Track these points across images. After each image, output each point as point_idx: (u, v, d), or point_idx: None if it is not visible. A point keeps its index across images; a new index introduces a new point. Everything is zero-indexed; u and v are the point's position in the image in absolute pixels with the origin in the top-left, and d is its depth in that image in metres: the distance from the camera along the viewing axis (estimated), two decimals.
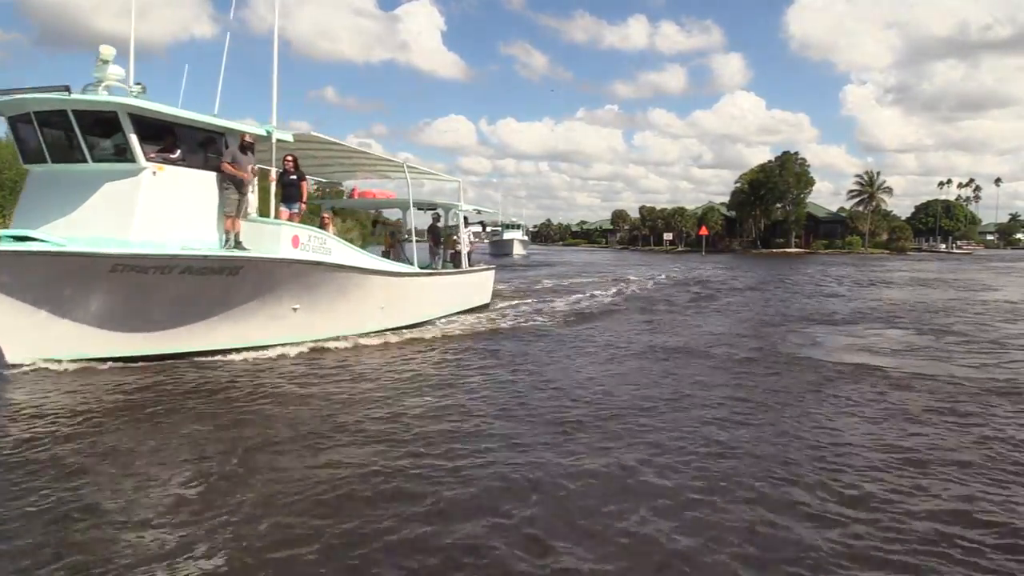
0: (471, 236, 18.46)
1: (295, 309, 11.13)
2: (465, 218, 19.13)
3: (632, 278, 31.53)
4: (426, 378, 9.47)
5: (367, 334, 12.22)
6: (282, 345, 10.91)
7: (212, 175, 10.46)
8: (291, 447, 6.27)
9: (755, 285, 28.72)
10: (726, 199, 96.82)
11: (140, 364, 9.35)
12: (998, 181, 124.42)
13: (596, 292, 23.76)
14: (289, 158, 11.80)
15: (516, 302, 19.57)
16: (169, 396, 8.01)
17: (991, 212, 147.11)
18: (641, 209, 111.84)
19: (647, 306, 19.54)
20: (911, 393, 8.64)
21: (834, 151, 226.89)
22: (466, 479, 5.50)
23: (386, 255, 16.33)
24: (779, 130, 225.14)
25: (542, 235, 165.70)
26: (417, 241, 15.88)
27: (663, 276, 33.94)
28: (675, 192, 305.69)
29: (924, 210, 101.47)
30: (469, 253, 18.15)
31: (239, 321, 10.51)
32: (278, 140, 11.39)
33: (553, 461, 5.92)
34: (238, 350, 10.42)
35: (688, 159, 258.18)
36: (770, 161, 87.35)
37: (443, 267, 17.13)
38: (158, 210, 9.60)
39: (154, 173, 9.61)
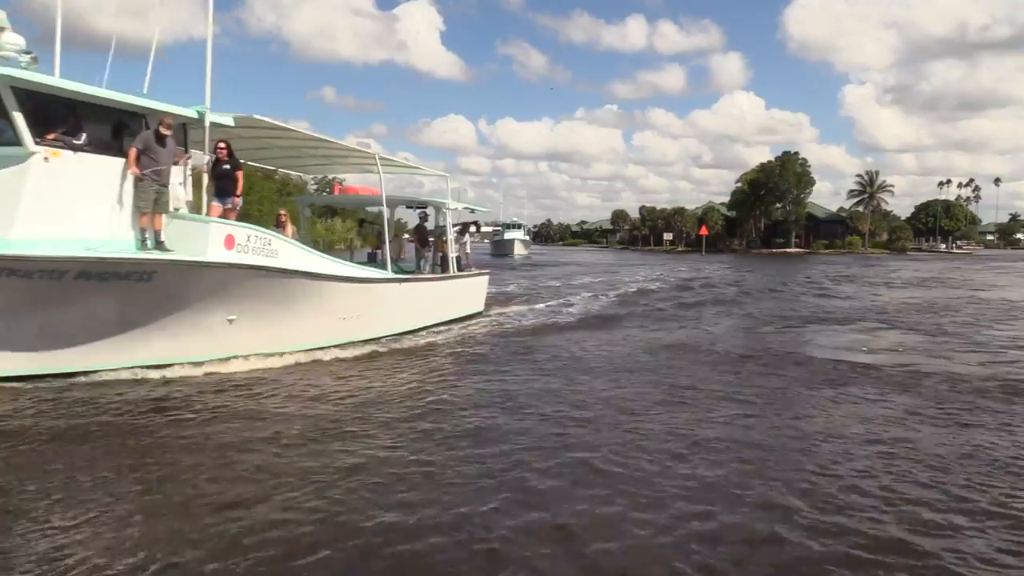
0: (468, 237, 17.12)
1: (231, 321, 9.53)
2: (475, 223, 18.20)
3: (639, 276, 31.57)
4: (365, 405, 7.91)
5: (327, 348, 10.77)
6: (219, 360, 9.39)
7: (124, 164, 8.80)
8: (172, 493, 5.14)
9: (767, 288, 28.74)
10: (726, 199, 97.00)
11: (13, 384, 7.88)
12: (998, 181, 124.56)
13: (600, 294, 23.10)
14: (221, 144, 10.06)
15: (513, 309, 17.94)
16: (31, 426, 6.67)
17: (991, 212, 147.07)
18: (641, 209, 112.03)
19: (660, 313, 18.06)
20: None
21: (833, 151, 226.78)
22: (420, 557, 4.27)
23: (372, 258, 15.39)
24: (778, 130, 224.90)
25: (542, 235, 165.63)
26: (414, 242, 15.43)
27: (671, 276, 33.90)
28: (675, 192, 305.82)
29: (924, 210, 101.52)
30: (458, 257, 16.28)
31: (154, 335, 8.97)
32: (214, 124, 9.67)
33: None
34: (160, 366, 8.97)
35: (688, 159, 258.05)
36: (770, 161, 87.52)
37: (431, 271, 15.45)
38: (51, 203, 8.03)
39: (46, 159, 7.97)
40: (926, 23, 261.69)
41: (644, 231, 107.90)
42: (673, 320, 16.59)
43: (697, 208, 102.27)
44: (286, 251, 10.07)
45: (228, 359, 9.50)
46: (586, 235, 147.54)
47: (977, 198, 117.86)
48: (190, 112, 9.50)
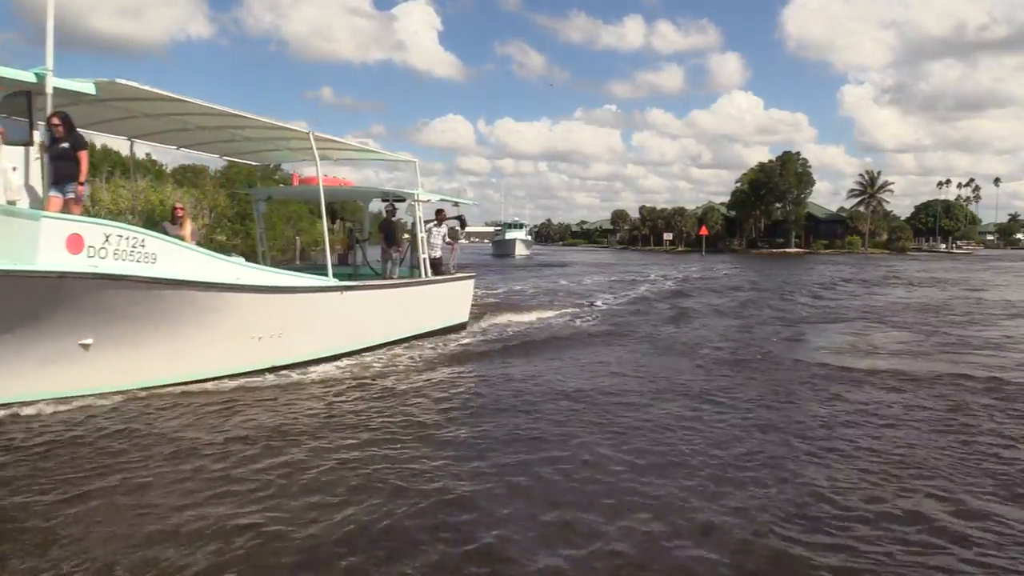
0: (443, 229, 13.90)
1: (85, 346, 7.42)
2: (459, 217, 14.71)
3: (654, 276, 31.64)
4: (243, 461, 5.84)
5: (237, 375, 8.71)
6: (73, 398, 7.35)
7: None
8: None
9: (781, 289, 28.80)
10: (725, 199, 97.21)
11: None
12: (997, 181, 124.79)
13: (604, 298, 21.91)
14: (55, 120, 7.49)
15: (506, 318, 15.63)
16: None
17: (991, 212, 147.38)
18: (641, 209, 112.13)
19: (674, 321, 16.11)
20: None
21: (833, 151, 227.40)
22: None
23: (343, 259, 13.80)
24: (777, 130, 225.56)
25: (542, 235, 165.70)
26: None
27: (684, 276, 33.92)
28: (674, 192, 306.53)
29: (924, 210, 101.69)
30: (438, 258, 13.51)
31: None
32: (62, 91, 7.59)
33: None
34: None
35: (687, 159, 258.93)
36: (770, 161, 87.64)
37: (412, 275, 13.05)
38: None
39: None
40: (924, 23, 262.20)
41: (644, 231, 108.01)
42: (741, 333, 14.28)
43: (697, 208, 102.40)
44: (169, 255, 7.84)
45: (77, 396, 7.41)
46: (586, 235, 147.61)
47: (977, 198, 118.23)
48: (26, 75, 7.36)
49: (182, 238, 9.01)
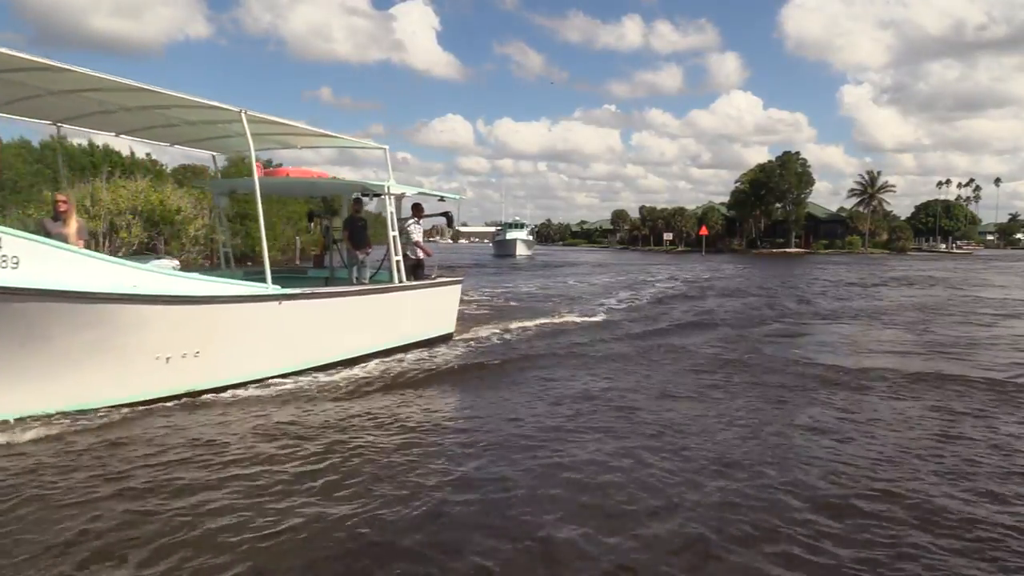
0: (415, 226, 11.97)
1: None
2: (446, 214, 12.70)
3: (662, 276, 31.49)
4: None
5: (136, 404, 7.26)
6: None
7: None
8: None
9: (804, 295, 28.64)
10: (725, 199, 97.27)
11: None
12: (998, 181, 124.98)
13: (608, 302, 20.66)
14: None
15: (498, 328, 13.66)
16: None
17: (991, 212, 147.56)
18: (641, 209, 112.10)
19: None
20: None
21: (832, 151, 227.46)
22: None
23: (319, 262, 12.47)
24: (776, 130, 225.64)
25: (542, 235, 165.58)
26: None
27: (692, 277, 33.84)
28: (674, 192, 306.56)
29: (924, 210, 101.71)
30: (419, 262, 11.82)
31: None
32: None
33: None
34: None
35: (686, 159, 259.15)
36: (770, 161, 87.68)
37: (382, 279, 11.28)
38: None
39: None
40: (923, 22, 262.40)
41: (644, 231, 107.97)
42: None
43: (697, 208, 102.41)
44: (37, 258, 6.43)
45: None
46: (586, 235, 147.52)
47: (977, 198, 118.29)
48: None
49: (65, 237, 7.53)
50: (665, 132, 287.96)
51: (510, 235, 64.54)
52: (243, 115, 8.39)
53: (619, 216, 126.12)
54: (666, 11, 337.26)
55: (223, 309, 7.97)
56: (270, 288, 8.37)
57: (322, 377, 8.88)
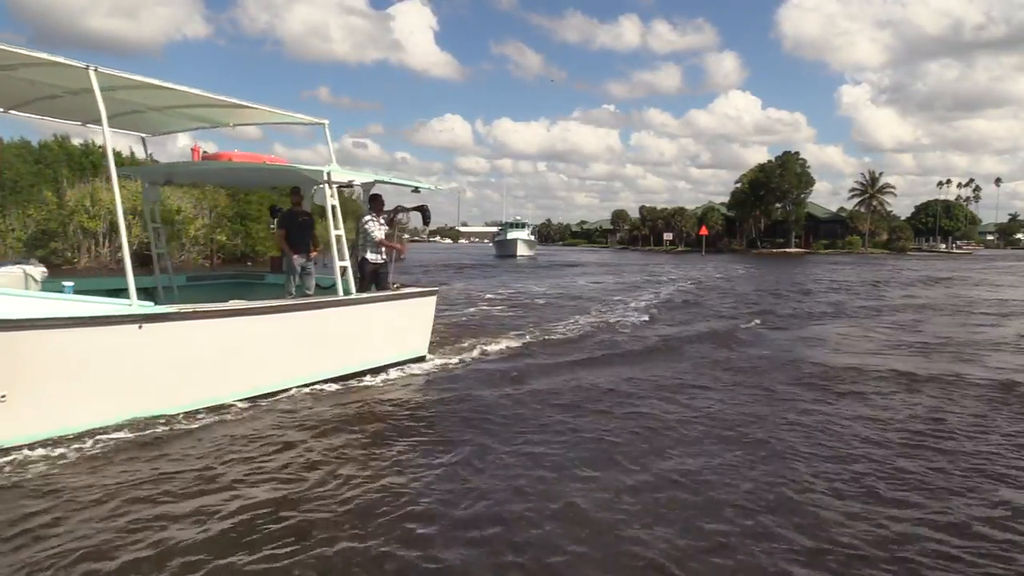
0: (373, 223, 9.62)
1: None
2: (421, 208, 10.20)
3: (674, 276, 31.24)
4: None
5: None
6: None
7: None
8: None
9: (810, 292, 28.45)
10: (724, 199, 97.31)
11: None
12: (998, 181, 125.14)
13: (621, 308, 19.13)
14: None
15: (488, 345, 11.26)
16: None
17: (991, 212, 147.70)
18: (641, 209, 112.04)
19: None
20: None
21: (831, 151, 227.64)
22: None
23: (276, 265, 10.27)
24: (775, 130, 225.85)
25: (542, 235, 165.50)
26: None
27: (699, 276, 33.58)
28: (673, 192, 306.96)
29: (924, 210, 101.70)
30: (380, 265, 9.67)
31: None
32: None
33: None
34: None
35: (685, 159, 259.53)
36: (770, 161, 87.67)
37: (324, 287, 9.29)
38: None
39: None
40: (921, 22, 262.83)
41: (644, 231, 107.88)
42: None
43: (697, 208, 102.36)
44: None
45: None
46: (586, 235, 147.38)
47: (977, 198, 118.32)
48: None
49: None
50: (664, 132, 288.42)
51: (511, 235, 63.99)
52: (91, 73, 6.20)
53: (619, 216, 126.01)
54: (663, 11, 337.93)
55: (41, 337, 5.82)
56: (134, 306, 6.22)
57: (182, 422, 6.53)
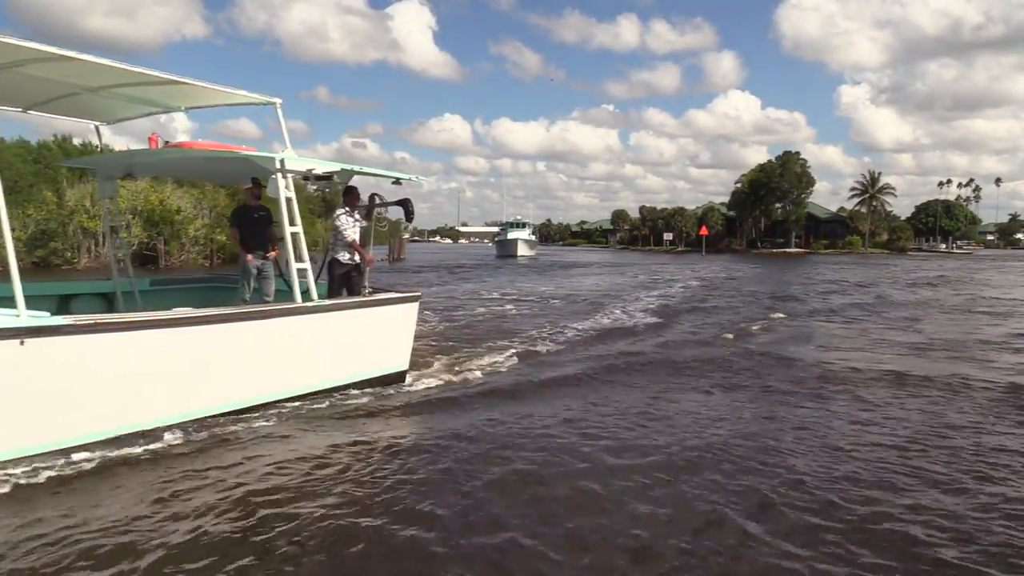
0: (346, 220, 8.41)
1: None
2: (403, 203, 8.79)
3: (687, 274, 31.10)
4: None
5: None
6: None
7: None
8: None
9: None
10: (724, 199, 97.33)
11: None
12: (998, 181, 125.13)
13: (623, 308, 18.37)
14: None
15: (488, 355, 10.23)
16: None
17: (991, 212, 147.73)
18: (641, 209, 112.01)
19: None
20: None
21: (831, 151, 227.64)
22: None
23: (258, 275, 8.75)
24: (775, 130, 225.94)
25: (543, 235, 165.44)
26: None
27: (707, 276, 33.41)
28: (673, 192, 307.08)
29: (924, 210, 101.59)
30: (353, 267, 8.40)
31: None
32: None
33: None
34: None
35: (685, 159, 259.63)
36: (771, 161, 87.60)
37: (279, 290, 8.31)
38: None
39: None
40: (920, 22, 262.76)
41: (644, 231, 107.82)
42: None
43: (697, 208, 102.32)
44: None
45: None
46: (586, 235, 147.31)
47: (977, 198, 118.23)
48: None
49: None
50: (663, 132, 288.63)
51: (512, 235, 63.80)
52: None
53: (619, 216, 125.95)
54: (662, 10, 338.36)
55: None
56: (22, 317, 5.19)
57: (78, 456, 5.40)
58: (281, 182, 7.24)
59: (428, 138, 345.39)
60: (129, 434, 5.92)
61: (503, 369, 9.55)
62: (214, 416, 6.58)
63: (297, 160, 7.44)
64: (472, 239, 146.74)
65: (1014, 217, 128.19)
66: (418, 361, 9.37)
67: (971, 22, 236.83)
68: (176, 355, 6.28)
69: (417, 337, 9.23)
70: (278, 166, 7.21)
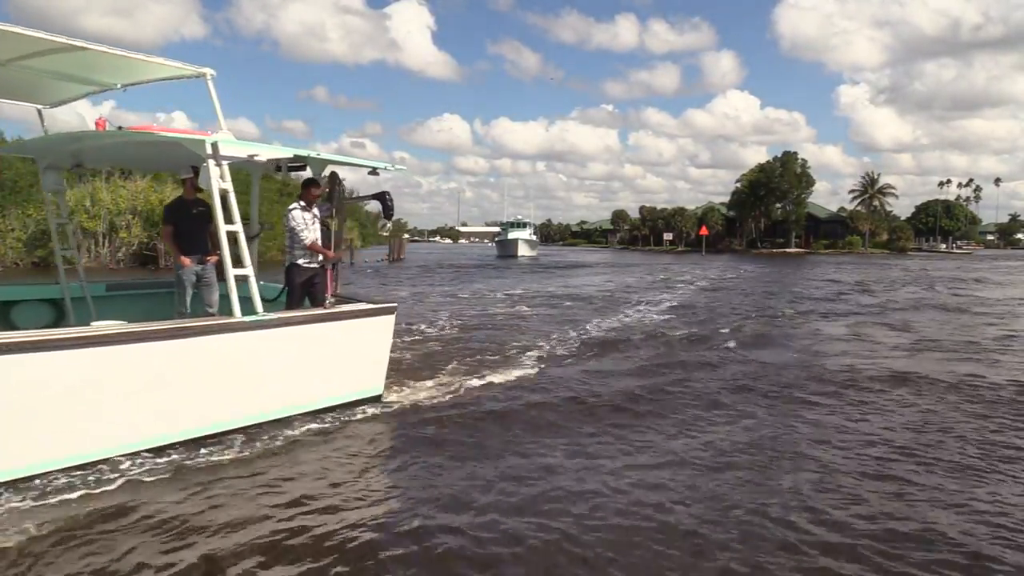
0: (306, 220, 7.15)
1: None
2: (383, 196, 7.65)
3: (696, 274, 31.00)
4: None
5: None
6: None
7: None
8: None
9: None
10: (723, 199, 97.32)
11: None
12: (998, 181, 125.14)
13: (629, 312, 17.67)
14: None
15: (487, 370, 9.04)
16: None
17: (991, 212, 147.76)
18: (641, 209, 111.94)
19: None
20: None
21: (830, 151, 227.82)
22: None
23: (198, 282, 7.36)
24: (774, 130, 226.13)
25: (543, 235, 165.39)
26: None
27: (714, 276, 33.33)
28: (672, 192, 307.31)
29: (924, 210, 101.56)
30: (314, 273, 7.27)
31: None
32: None
33: None
34: None
35: (684, 159, 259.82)
36: (771, 161, 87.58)
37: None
38: None
39: None
40: (918, 22, 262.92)
41: (644, 231, 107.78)
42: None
43: (697, 208, 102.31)
44: None
45: None
46: (586, 235, 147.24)
47: (977, 198, 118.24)
48: None
49: None
50: (662, 132, 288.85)
51: (512, 235, 63.57)
52: None
53: (619, 216, 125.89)
54: (660, 9, 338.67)
55: None
56: None
57: None
58: (214, 171, 6.03)
59: (427, 138, 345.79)
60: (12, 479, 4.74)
61: (498, 387, 8.25)
62: (132, 452, 5.43)
63: (234, 144, 6.19)
64: (472, 239, 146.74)
65: (1014, 217, 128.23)
66: (410, 374, 8.62)
67: (970, 22, 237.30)
68: (66, 384, 5.00)
69: (418, 344, 8.83)
70: (209, 151, 5.99)
